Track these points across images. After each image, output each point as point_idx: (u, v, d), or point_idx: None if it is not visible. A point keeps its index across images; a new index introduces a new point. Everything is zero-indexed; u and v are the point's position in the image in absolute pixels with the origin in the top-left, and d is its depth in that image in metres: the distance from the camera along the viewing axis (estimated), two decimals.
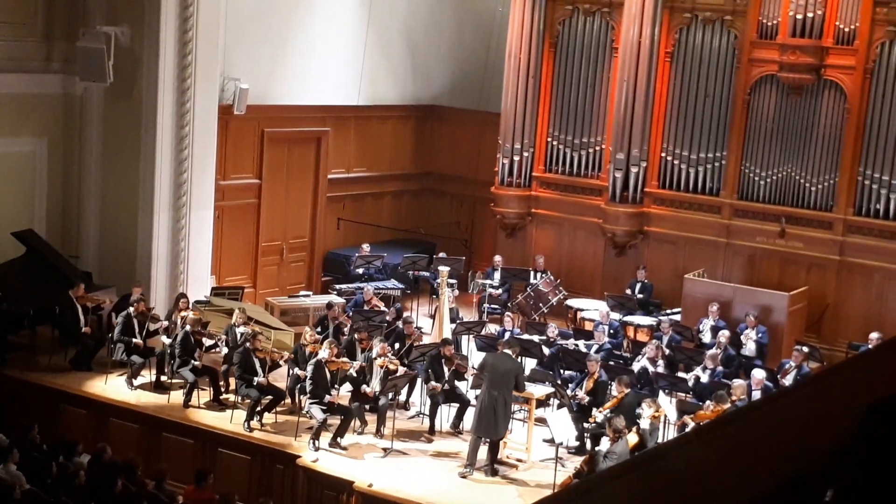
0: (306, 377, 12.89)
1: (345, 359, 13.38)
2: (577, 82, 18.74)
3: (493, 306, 17.47)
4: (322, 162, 19.37)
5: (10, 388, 14.21)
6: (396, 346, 14.30)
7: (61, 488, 10.68)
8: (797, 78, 16.79)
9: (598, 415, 12.40)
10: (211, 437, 13.15)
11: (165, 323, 14.59)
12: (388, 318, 15.65)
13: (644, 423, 11.59)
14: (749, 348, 15.27)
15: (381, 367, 13.21)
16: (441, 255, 18.23)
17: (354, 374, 13.20)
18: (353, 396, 13.30)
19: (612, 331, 15.63)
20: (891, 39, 16.24)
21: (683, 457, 1.68)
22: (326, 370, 12.85)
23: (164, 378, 14.31)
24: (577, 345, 14.85)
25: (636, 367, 13.80)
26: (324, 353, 12.92)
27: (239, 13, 17.08)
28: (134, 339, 14.23)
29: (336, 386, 13.13)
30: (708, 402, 12.60)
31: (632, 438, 11.27)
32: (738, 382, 12.97)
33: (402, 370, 13.31)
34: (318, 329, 14.69)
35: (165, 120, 15.82)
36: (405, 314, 15.78)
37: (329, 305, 15.58)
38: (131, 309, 14.37)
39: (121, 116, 16.21)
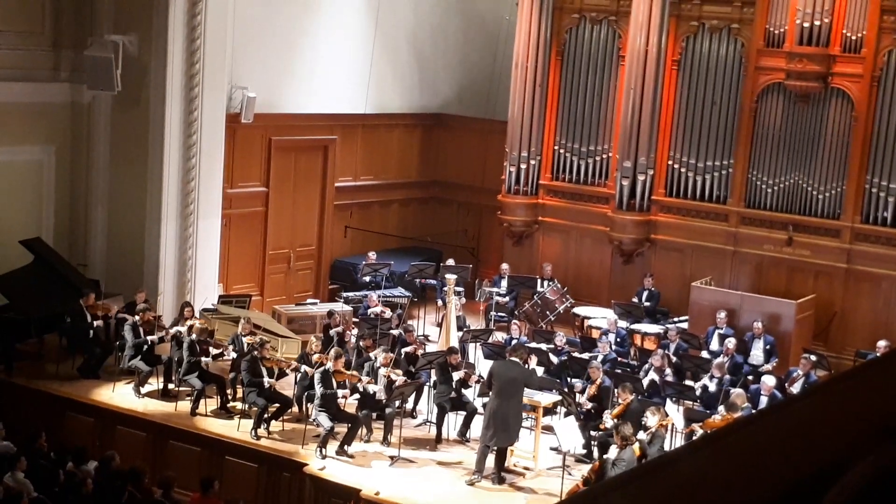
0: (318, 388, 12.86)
1: (354, 371, 13.35)
2: (583, 90, 18.75)
3: (500, 314, 17.45)
4: (329, 170, 19.39)
5: (17, 396, 14.22)
6: (403, 353, 14.28)
7: (69, 496, 10.70)
8: (804, 86, 16.77)
9: (609, 420, 12.35)
10: (218, 445, 13.14)
11: (171, 331, 14.60)
12: (392, 325, 15.64)
13: (642, 435, 11.53)
14: (756, 357, 15.23)
15: (386, 376, 13.19)
16: (448, 262, 18.23)
17: (360, 388, 13.17)
18: (360, 404, 13.29)
19: (619, 339, 15.60)
20: None
21: (692, 464, 1.68)
22: (333, 380, 12.84)
23: (171, 386, 14.32)
24: (580, 356, 14.82)
25: (645, 381, 13.75)
26: (330, 364, 12.91)
27: (246, 22, 17.12)
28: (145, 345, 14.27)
29: (345, 394, 13.11)
30: (717, 411, 12.56)
31: (638, 447, 11.23)
32: (736, 391, 12.92)
33: (400, 380, 13.25)
34: (323, 337, 14.69)
35: (173, 128, 15.86)
36: (408, 322, 15.77)
37: (330, 314, 15.59)
38: (137, 318, 14.38)
39: (128, 125, 16.25)
